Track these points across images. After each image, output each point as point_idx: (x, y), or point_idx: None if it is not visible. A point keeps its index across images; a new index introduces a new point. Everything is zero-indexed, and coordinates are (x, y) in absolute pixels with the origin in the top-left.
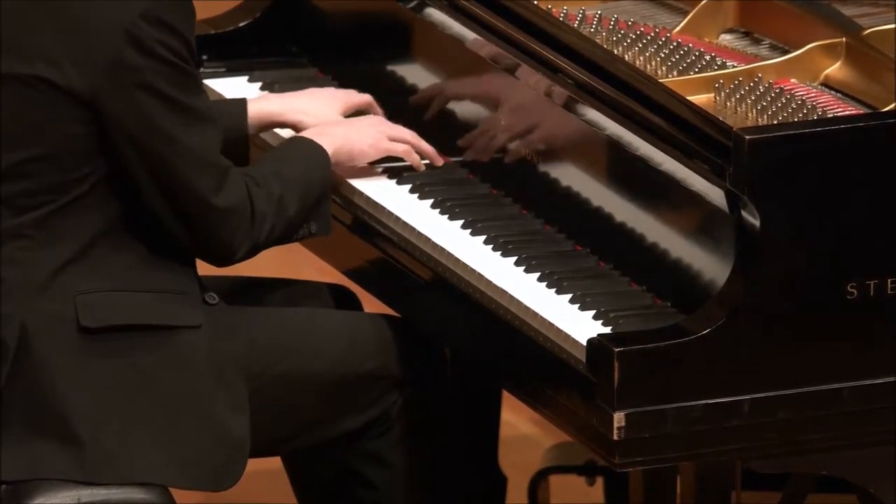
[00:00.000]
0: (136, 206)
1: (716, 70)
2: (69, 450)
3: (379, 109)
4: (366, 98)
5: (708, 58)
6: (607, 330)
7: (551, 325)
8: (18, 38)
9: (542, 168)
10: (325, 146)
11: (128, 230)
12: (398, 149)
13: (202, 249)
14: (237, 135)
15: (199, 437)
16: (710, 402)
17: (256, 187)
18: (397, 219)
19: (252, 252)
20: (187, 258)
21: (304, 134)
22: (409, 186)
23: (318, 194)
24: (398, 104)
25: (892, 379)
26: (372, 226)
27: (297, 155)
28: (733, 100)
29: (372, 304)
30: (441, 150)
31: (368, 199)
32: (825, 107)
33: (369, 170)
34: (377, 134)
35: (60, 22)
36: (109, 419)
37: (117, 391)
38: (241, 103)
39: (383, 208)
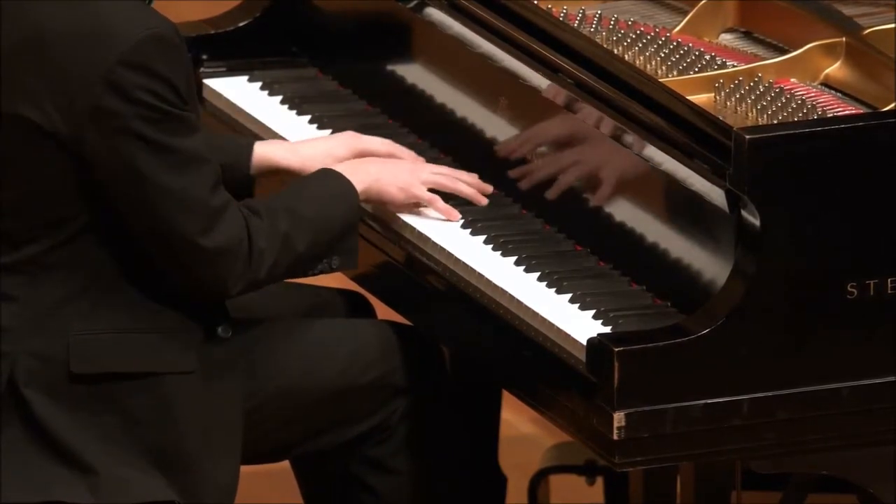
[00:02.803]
0: (132, 244)
1: (716, 70)
2: (80, 476)
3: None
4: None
5: (708, 57)
6: (607, 330)
7: (551, 324)
8: (10, 79)
9: (542, 168)
10: (354, 183)
11: (126, 268)
12: (425, 197)
13: (194, 288)
14: (238, 174)
15: (184, 479)
16: (710, 402)
17: (259, 222)
18: (396, 218)
19: (250, 288)
20: (188, 295)
21: (337, 167)
22: None
23: (340, 230)
24: (398, 104)
25: (892, 379)
26: (371, 227)
27: (321, 188)
28: (733, 99)
29: (382, 310)
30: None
31: None
32: (825, 106)
33: None
34: (409, 179)
35: (44, 67)
36: (109, 450)
37: (105, 432)
38: (249, 145)
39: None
